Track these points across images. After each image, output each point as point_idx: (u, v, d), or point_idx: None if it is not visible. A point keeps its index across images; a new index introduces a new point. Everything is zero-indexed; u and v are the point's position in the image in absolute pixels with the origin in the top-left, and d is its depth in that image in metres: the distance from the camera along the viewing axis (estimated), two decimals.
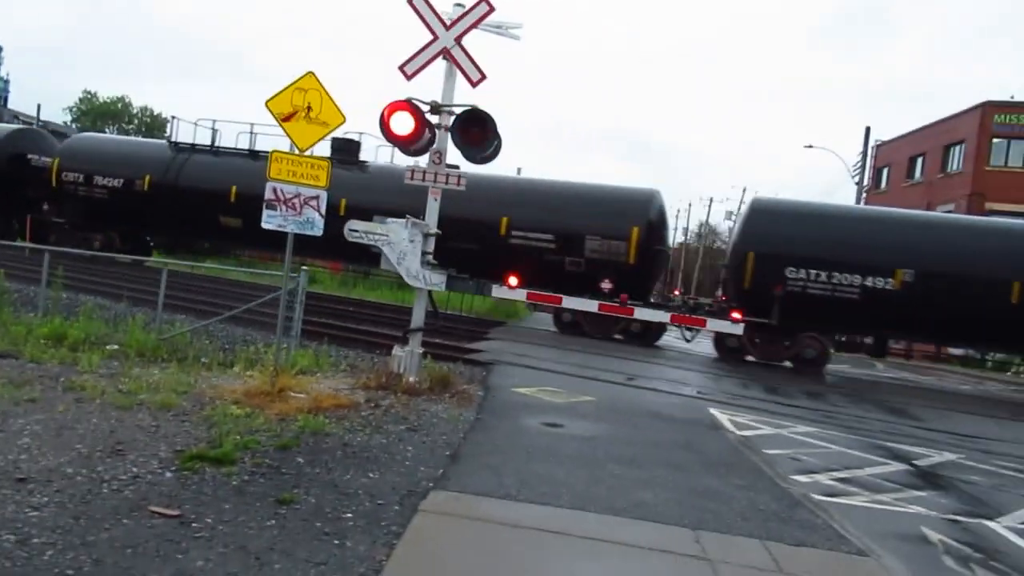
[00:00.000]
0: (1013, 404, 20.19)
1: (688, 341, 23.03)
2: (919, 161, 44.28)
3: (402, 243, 10.30)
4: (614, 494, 6.21)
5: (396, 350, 10.43)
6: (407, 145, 10.59)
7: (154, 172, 26.75)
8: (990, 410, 17.58)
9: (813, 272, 19.65)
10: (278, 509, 5.07)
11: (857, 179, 45.51)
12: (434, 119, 10.56)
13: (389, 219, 10.60)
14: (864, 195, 45.90)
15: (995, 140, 38.63)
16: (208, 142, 27.45)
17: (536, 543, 4.92)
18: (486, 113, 10.37)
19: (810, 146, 77.00)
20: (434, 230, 10.51)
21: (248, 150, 26.41)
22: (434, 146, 10.64)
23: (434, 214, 10.57)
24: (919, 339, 24.95)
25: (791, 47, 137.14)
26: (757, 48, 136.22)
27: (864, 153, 43.97)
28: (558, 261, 21.73)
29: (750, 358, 21.25)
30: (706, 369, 18.56)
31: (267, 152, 27.36)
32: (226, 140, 28.34)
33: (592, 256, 21.51)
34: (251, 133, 26.66)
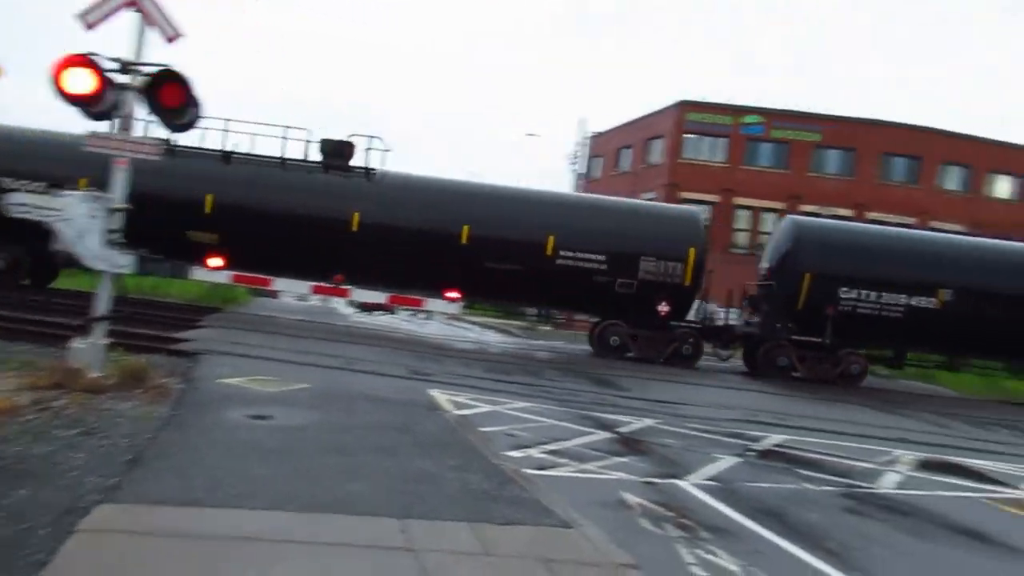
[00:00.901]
0: (705, 371, 22.48)
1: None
2: (626, 153, 48.08)
3: (81, 219, 8.99)
4: (319, 488, 5.78)
5: (75, 342, 9.11)
6: (88, 106, 9.25)
7: None
8: (686, 378, 19.39)
9: (864, 292, 20.47)
10: None
11: (575, 167, 48.43)
12: (123, 79, 9.33)
13: (65, 191, 9.21)
14: (580, 183, 49.02)
15: (688, 136, 42.93)
16: None
17: (217, 554, 4.36)
18: (182, 74, 9.34)
19: (532, 134, 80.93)
20: (121, 204, 9.30)
21: None
22: (121, 109, 9.40)
23: (121, 187, 9.34)
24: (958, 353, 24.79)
25: (536, 33, 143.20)
26: (492, 31, 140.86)
27: (581, 143, 46.86)
28: (608, 283, 20.65)
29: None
30: (430, 351, 18.60)
31: None
32: None
33: (646, 278, 20.63)
34: None
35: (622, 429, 10.60)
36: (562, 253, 20.42)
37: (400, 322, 32.25)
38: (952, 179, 44.05)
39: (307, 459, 6.64)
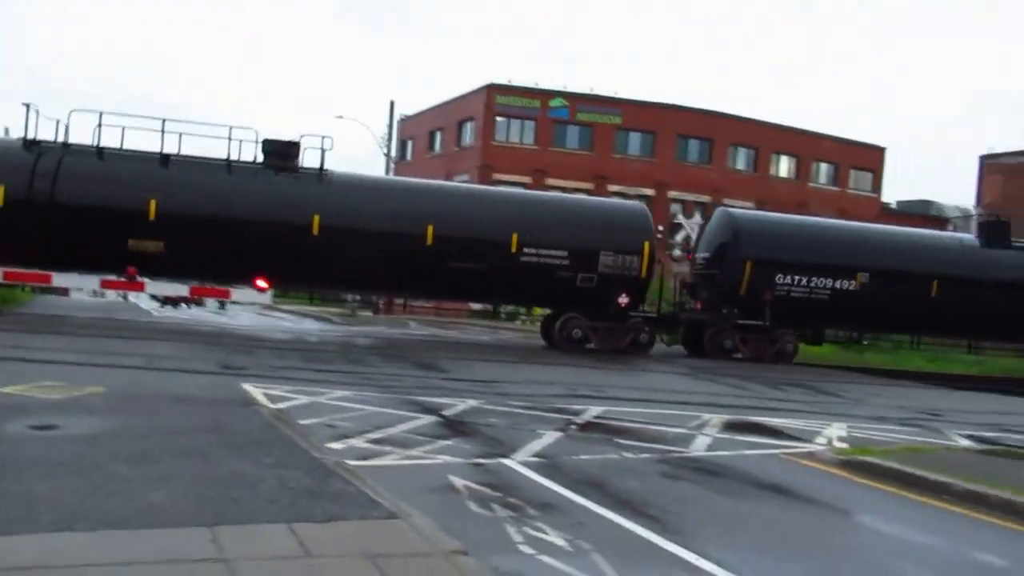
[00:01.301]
0: (524, 349, 22.91)
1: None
2: (438, 135, 47.99)
3: None
4: (114, 502, 5.20)
5: None
6: None
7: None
8: (505, 356, 19.65)
9: (796, 277, 22.09)
10: None
11: (386, 151, 47.68)
12: None
13: None
14: (393, 165, 48.35)
15: (498, 119, 43.48)
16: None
17: None
18: None
19: (341, 117, 78.91)
20: None
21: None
22: None
23: None
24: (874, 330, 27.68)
25: (317, 19, 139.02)
26: (285, 15, 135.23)
27: (390, 126, 46.19)
28: (571, 277, 20.75)
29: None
30: (243, 344, 17.66)
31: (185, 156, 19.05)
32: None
33: (605, 271, 20.87)
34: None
35: (447, 412, 10.49)
36: (526, 250, 20.53)
37: (209, 315, 30.47)
38: (741, 160, 47.53)
39: (100, 471, 5.98)
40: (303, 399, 10.51)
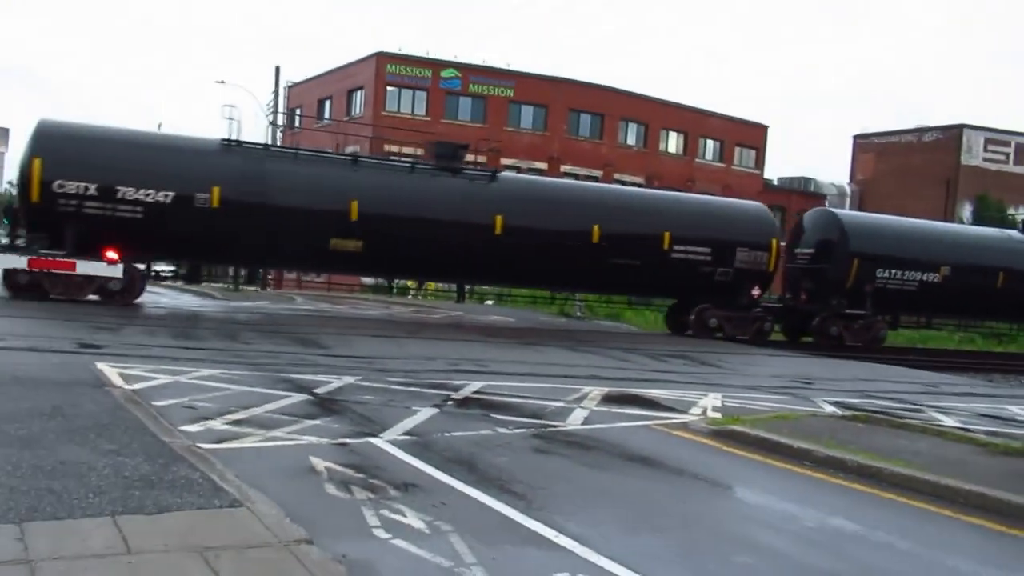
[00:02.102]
0: (412, 324, 22.56)
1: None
2: (327, 104, 46.60)
3: None
4: None
5: None
6: None
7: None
8: (392, 332, 19.26)
9: (892, 271, 24.80)
10: None
11: (271, 119, 45.92)
12: None
13: None
14: (280, 134, 46.66)
15: (389, 88, 42.53)
16: None
17: None
18: None
19: (222, 82, 75.50)
20: None
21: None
22: None
23: None
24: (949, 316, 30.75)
25: None
26: None
27: (276, 93, 44.47)
28: (710, 272, 22.69)
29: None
30: (110, 319, 16.60)
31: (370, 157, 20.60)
32: None
33: (741, 266, 22.85)
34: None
35: (319, 390, 10.10)
36: (676, 248, 22.31)
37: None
38: (631, 135, 48.20)
39: None
40: (163, 379, 9.90)
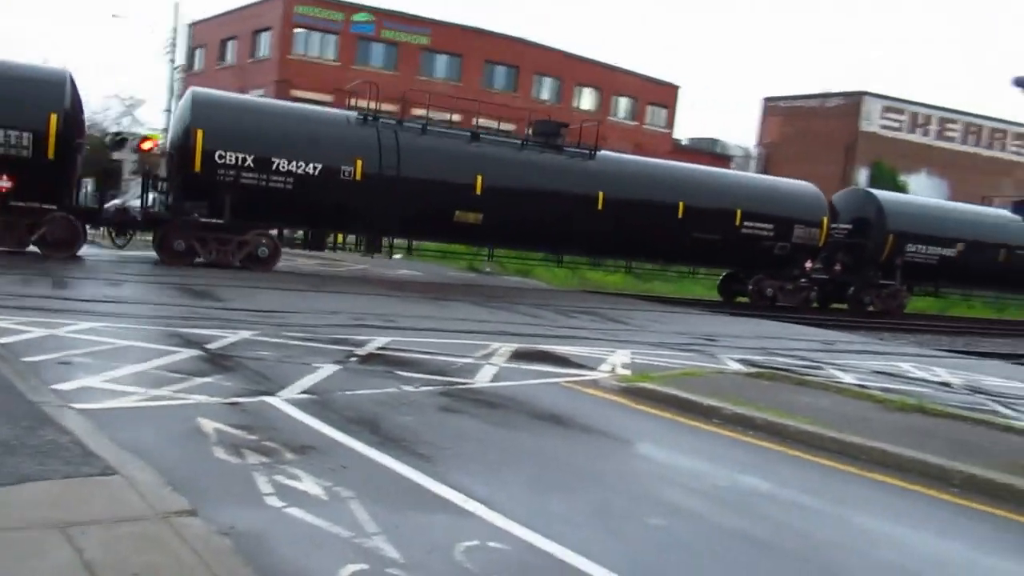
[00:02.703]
0: (316, 278, 21.80)
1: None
2: (231, 45, 44.36)
3: None
4: None
5: None
6: None
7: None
8: (294, 285, 18.52)
9: (920, 247, 27.28)
10: None
11: (171, 57, 43.44)
12: None
13: None
14: (180, 77, 44.23)
15: (297, 30, 40.72)
16: None
17: None
18: None
19: (116, 16, 71.07)
20: None
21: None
22: None
23: None
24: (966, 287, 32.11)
25: None
26: None
27: (175, 30, 42.01)
28: (771, 246, 24.71)
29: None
30: None
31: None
32: None
33: (797, 242, 24.93)
34: None
35: (212, 345, 9.49)
36: (746, 223, 24.20)
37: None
38: (545, 89, 47.77)
39: None
40: (37, 332, 9.11)
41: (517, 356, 10.81)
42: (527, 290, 23.80)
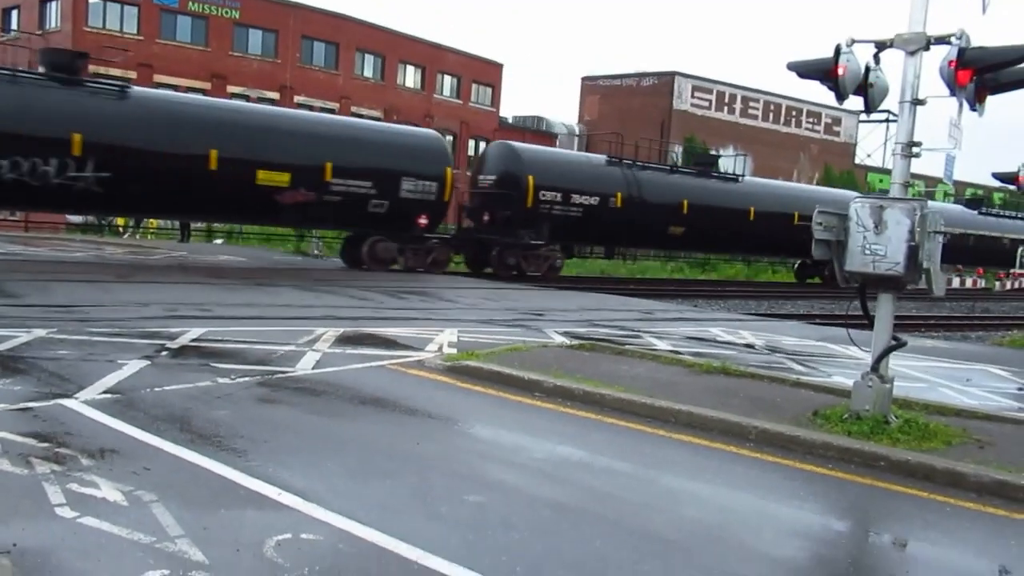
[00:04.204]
0: (126, 267, 20.42)
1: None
2: (15, 14, 40.37)
3: None
4: None
5: None
6: None
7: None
8: (100, 276, 17.25)
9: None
10: None
11: None
12: None
13: None
14: None
15: (93, 1, 37.62)
16: None
17: None
18: None
19: None
20: None
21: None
22: None
23: None
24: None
25: None
26: None
27: None
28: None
29: None
30: None
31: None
32: None
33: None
34: None
35: (0, 346, 8.67)
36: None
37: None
38: (368, 67, 46.88)
39: None
40: None
41: (343, 340, 10.61)
42: (356, 272, 23.41)
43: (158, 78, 37.15)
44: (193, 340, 9.86)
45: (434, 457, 6.10)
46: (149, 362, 8.44)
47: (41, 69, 19.25)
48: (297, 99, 40.96)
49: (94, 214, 31.59)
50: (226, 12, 40.13)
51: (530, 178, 25.43)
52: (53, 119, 18.11)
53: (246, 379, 8.03)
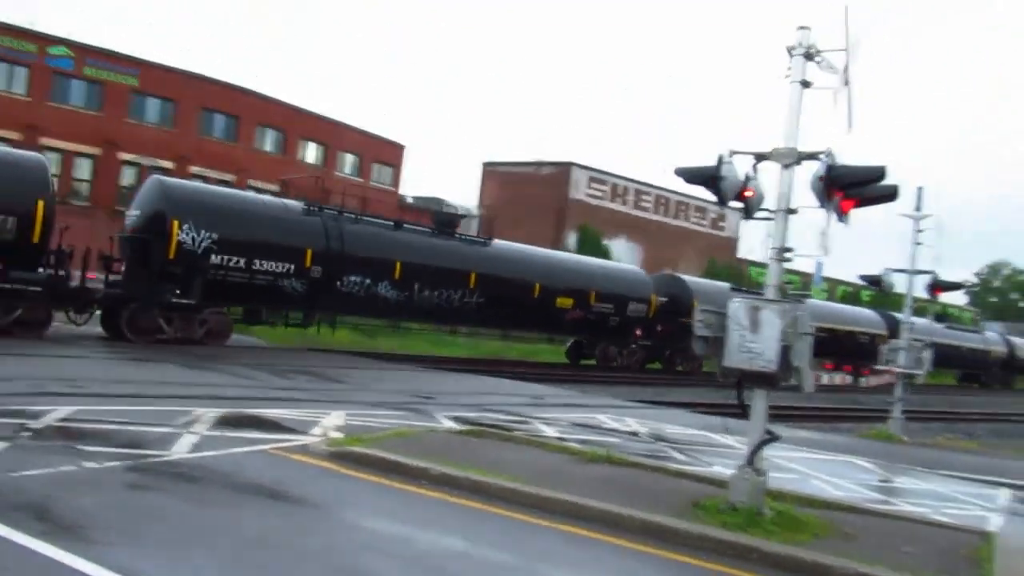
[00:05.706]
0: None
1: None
2: None
3: None
4: None
5: None
6: None
7: None
8: None
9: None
10: None
11: None
12: None
13: None
14: None
15: None
16: None
17: None
18: None
19: None
20: None
21: None
22: None
23: None
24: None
25: None
26: None
27: None
28: None
29: None
30: None
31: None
32: None
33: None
34: None
35: None
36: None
37: None
38: (267, 141, 46.63)
39: None
40: None
41: (223, 422, 10.23)
42: (243, 349, 22.71)
43: (45, 140, 35.82)
44: (60, 420, 9.30)
45: (314, 549, 5.92)
46: (7, 444, 7.90)
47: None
48: (193, 169, 40.15)
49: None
50: (124, 79, 39.33)
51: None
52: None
53: (116, 463, 7.62)
